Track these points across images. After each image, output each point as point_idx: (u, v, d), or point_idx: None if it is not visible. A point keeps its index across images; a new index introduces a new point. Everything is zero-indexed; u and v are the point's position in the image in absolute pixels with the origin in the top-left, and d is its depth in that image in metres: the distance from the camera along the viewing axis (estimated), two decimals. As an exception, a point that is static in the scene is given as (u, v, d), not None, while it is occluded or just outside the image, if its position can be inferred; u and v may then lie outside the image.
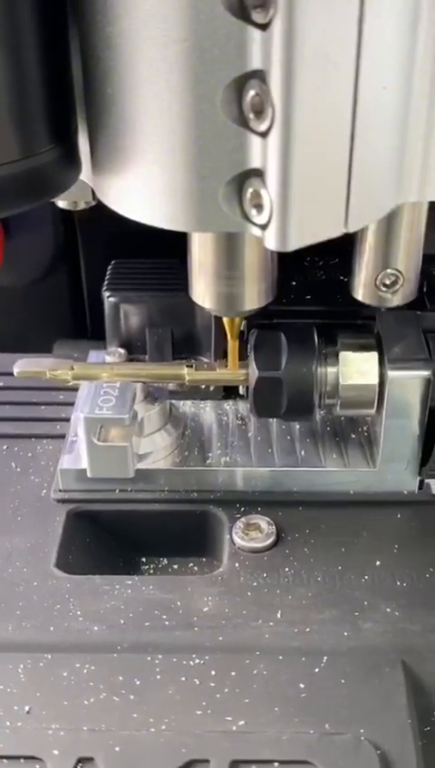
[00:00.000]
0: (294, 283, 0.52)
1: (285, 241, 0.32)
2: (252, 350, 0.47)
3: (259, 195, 0.32)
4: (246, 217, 0.33)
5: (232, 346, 0.47)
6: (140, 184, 0.34)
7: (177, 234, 0.36)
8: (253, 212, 0.33)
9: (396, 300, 0.46)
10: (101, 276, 0.56)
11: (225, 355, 0.51)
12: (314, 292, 0.52)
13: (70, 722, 0.37)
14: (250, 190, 0.33)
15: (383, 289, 0.45)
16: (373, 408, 0.47)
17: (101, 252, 0.58)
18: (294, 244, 0.32)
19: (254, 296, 0.42)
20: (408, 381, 0.46)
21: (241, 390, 0.52)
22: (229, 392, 0.54)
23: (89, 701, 0.38)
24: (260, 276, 0.41)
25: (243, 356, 0.48)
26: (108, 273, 0.55)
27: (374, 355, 0.47)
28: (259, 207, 0.32)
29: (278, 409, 0.46)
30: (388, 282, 0.44)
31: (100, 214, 0.41)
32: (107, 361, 0.52)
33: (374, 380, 0.46)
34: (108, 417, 0.46)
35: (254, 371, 0.46)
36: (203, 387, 0.54)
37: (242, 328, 0.47)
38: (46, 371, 0.47)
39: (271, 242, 0.33)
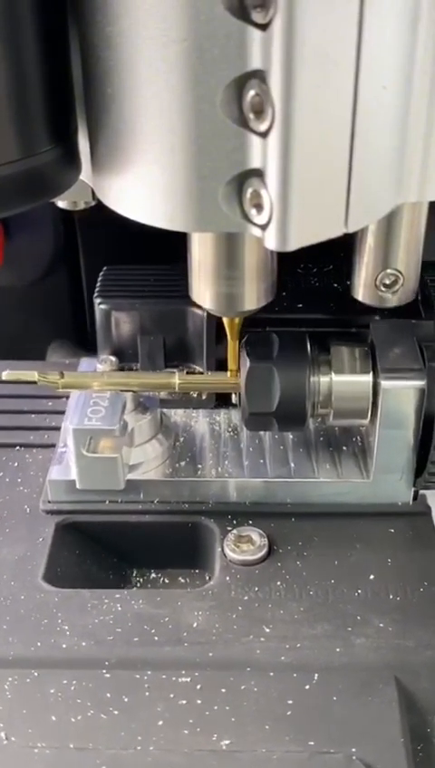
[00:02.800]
0: (285, 293, 0.51)
1: (285, 241, 0.32)
2: (243, 347, 0.46)
3: (259, 195, 0.32)
4: (246, 217, 0.33)
5: (232, 346, 0.46)
6: (139, 184, 0.34)
7: (177, 234, 0.36)
8: (253, 212, 0.33)
9: (396, 300, 0.45)
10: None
11: (218, 364, 0.51)
12: (307, 300, 0.51)
13: (56, 740, 0.37)
14: (250, 190, 0.32)
15: (383, 289, 0.45)
16: (367, 418, 0.47)
17: (101, 252, 0.58)
18: (293, 245, 0.32)
19: (254, 296, 0.42)
20: (402, 391, 0.45)
21: (233, 399, 0.51)
22: (221, 401, 0.54)
23: (76, 718, 0.37)
24: (260, 276, 0.41)
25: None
26: (99, 280, 0.54)
27: (368, 364, 0.46)
28: (259, 207, 0.32)
29: (270, 405, 0.45)
30: (388, 282, 0.44)
31: (100, 214, 0.41)
32: (98, 369, 0.51)
33: (368, 390, 0.46)
34: (97, 428, 0.46)
35: (245, 363, 0.45)
36: (195, 395, 0.53)
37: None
38: (36, 373, 0.47)
39: (271, 242, 0.32)
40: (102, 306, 0.52)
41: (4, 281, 0.66)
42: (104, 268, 0.55)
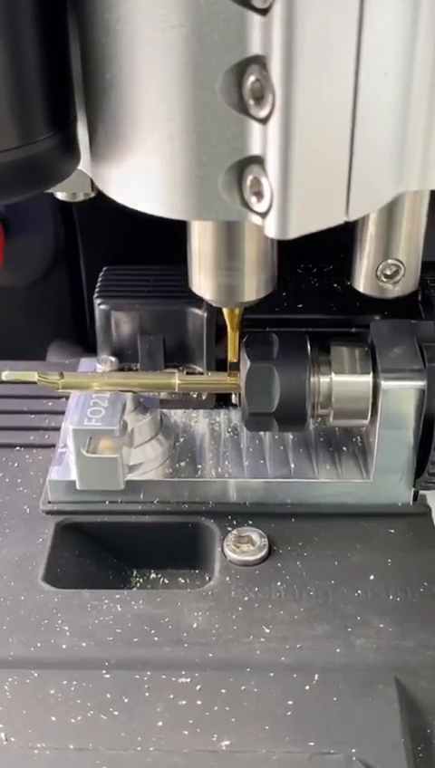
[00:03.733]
0: (285, 293, 0.51)
1: (285, 229, 0.32)
2: (243, 347, 0.46)
3: (259, 182, 0.32)
4: (246, 205, 0.33)
5: (232, 337, 0.46)
6: (139, 172, 0.34)
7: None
8: (253, 200, 0.32)
9: (397, 290, 0.45)
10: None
11: (218, 364, 0.51)
12: (307, 301, 0.51)
13: (56, 740, 0.36)
14: (250, 178, 0.32)
15: (384, 279, 0.44)
16: (367, 418, 0.46)
17: (101, 253, 0.58)
18: (294, 232, 0.32)
19: (254, 287, 0.41)
20: (402, 392, 0.45)
21: (233, 399, 0.51)
22: (222, 402, 0.54)
23: (76, 719, 0.37)
24: (260, 267, 0.41)
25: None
26: (99, 280, 0.54)
27: (368, 365, 0.46)
28: (259, 195, 0.32)
29: (270, 405, 0.45)
30: (389, 272, 0.44)
31: (100, 214, 0.41)
32: (98, 369, 0.51)
33: (368, 390, 0.46)
34: (97, 428, 0.46)
35: (245, 363, 0.45)
36: (195, 396, 0.53)
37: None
38: (36, 373, 0.47)
39: (271, 230, 0.32)
40: (102, 306, 0.52)
41: (4, 281, 0.65)
42: (104, 268, 0.55)
